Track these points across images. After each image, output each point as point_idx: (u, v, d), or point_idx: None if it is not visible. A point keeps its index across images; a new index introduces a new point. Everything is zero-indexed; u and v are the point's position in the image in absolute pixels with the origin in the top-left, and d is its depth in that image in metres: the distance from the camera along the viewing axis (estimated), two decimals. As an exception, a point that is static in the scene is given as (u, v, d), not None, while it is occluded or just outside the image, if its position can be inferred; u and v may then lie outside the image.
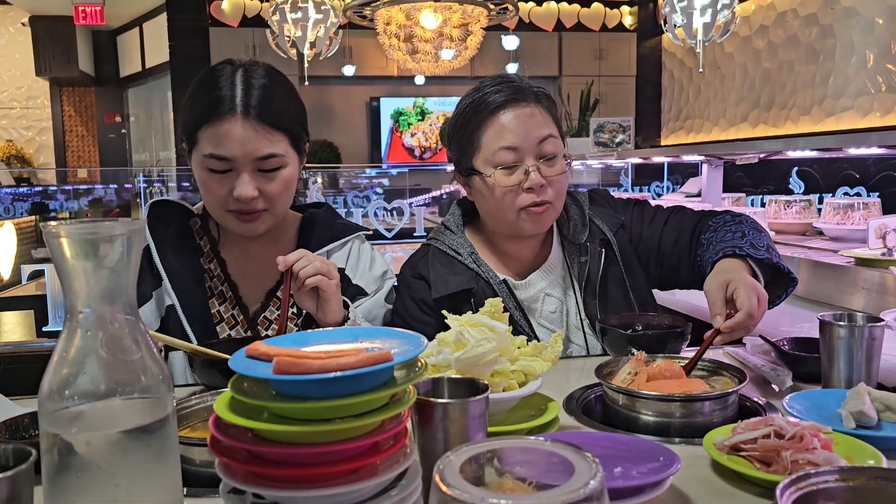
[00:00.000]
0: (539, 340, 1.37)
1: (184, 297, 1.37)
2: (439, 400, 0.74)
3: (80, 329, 0.64)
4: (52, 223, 0.64)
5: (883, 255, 1.93)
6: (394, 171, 7.80)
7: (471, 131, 1.42)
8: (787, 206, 2.75)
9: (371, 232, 1.70)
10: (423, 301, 1.45)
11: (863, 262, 1.92)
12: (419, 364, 0.70)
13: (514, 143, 1.37)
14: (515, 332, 1.30)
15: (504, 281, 1.46)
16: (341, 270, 1.42)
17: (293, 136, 1.33)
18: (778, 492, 0.65)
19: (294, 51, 4.28)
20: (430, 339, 1.37)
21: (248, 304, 1.42)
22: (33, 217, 6.86)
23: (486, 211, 1.47)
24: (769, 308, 1.34)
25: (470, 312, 0.99)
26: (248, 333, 1.39)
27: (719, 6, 4.33)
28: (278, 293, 1.42)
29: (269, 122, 1.27)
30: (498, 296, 1.42)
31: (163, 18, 7.69)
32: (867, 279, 1.87)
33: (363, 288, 1.45)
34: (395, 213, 3.87)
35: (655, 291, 1.57)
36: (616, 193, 1.79)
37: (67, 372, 0.64)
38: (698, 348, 1.16)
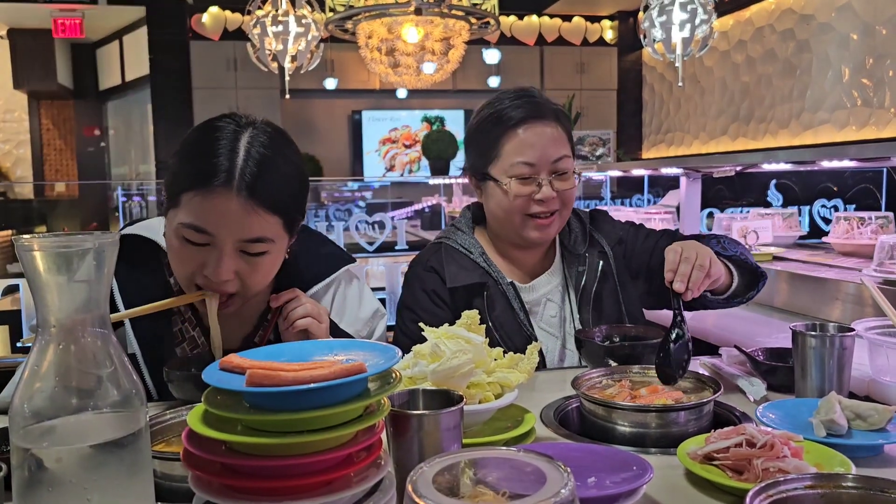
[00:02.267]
0: (537, 340, 1.41)
1: (148, 343, 1.24)
2: (413, 412, 0.74)
3: (53, 342, 0.64)
4: (25, 237, 0.64)
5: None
6: (376, 184, 7.81)
7: (491, 140, 1.48)
8: (862, 224, 2.40)
9: (363, 254, 1.65)
10: (434, 292, 1.50)
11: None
12: (393, 376, 0.71)
13: (533, 159, 1.44)
14: (520, 333, 1.44)
15: (512, 283, 1.51)
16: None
17: (289, 217, 1.17)
18: (748, 500, 0.66)
19: (275, 64, 4.28)
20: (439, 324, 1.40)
21: (223, 351, 1.25)
22: (9, 231, 6.78)
23: (494, 215, 1.53)
24: (745, 298, 1.44)
25: (447, 325, 1.00)
26: None
27: (697, 21, 4.40)
28: (256, 339, 1.31)
29: (264, 202, 1.10)
30: (506, 295, 1.49)
31: (143, 32, 7.66)
32: (843, 290, 1.90)
33: (351, 334, 1.36)
34: (376, 226, 3.87)
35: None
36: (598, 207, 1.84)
37: (39, 386, 0.63)
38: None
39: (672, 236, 1.58)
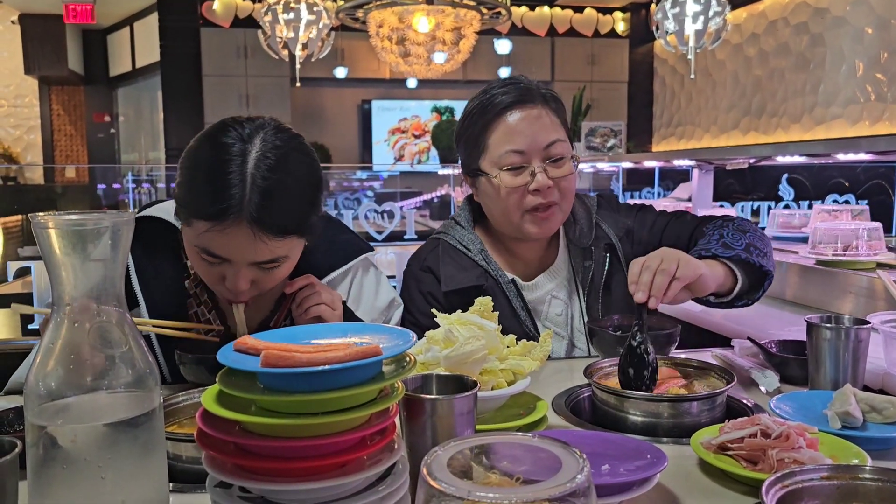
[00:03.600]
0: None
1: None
2: (427, 396, 0.74)
3: (68, 321, 0.64)
4: (41, 214, 0.64)
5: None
6: (385, 174, 7.80)
7: (477, 132, 1.40)
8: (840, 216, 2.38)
9: (376, 240, 1.63)
10: (430, 294, 1.43)
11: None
12: (408, 359, 0.70)
13: (521, 146, 1.35)
14: (522, 334, 1.29)
15: (513, 281, 1.44)
16: (343, 303, 1.32)
17: (301, 232, 1.17)
18: (763, 489, 0.65)
19: (286, 52, 4.27)
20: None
21: (238, 335, 1.24)
22: (20, 216, 6.80)
23: (491, 212, 1.45)
24: (750, 300, 1.34)
25: (460, 311, 0.99)
26: None
27: (711, 13, 4.37)
28: (270, 324, 1.31)
29: (273, 231, 1.11)
30: (507, 295, 1.42)
31: (154, 18, 7.66)
32: (856, 284, 1.89)
33: (367, 322, 1.34)
34: (385, 215, 3.87)
35: None
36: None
37: (54, 364, 0.63)
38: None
39: (681, 218, 1.50)
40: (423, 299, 1.44)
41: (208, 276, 1.18)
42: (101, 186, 7.33)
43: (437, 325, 1.21)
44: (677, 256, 1.16)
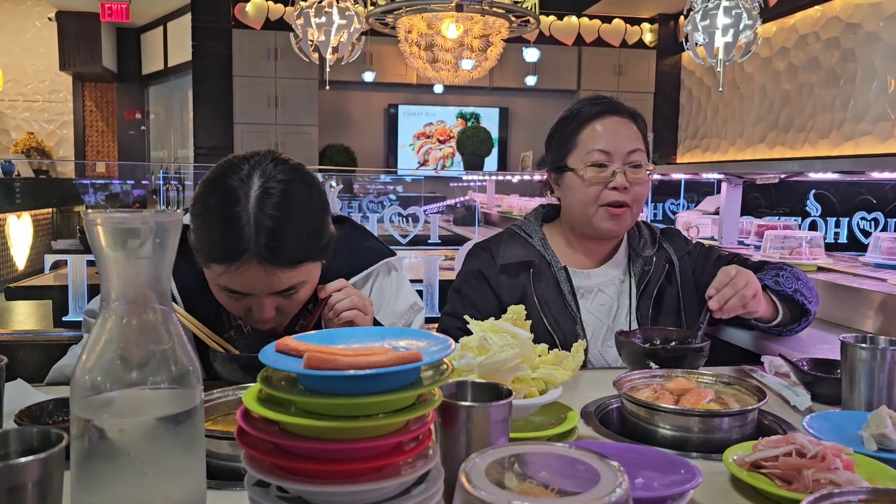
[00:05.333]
0: (583, 326, 1.48)
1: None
2: (464, 403, 0.74)
3: (115, 317, 0.65)
4: (91, 211, 0.65)
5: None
6: (409, 178, 7.82)
7: (569, 133, 1.56)
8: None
9: (400, 244, 1.69)
10: (480, 272, 1.57)
11: None
12: (445, 366, 0.71)
13: (608, 147, 1.51)
14: (565, 315, 1.50)
15: (564, 267, 1.56)
16: None
17: (315, 256, 1.22)
18: (802, 509, 0.65)
19: (316, 55, 4.31)
20: (480, 308, 1.43)
21: (267, 337, 1.30)
22: (50, 209, 6.92)
23: (569, 206, 1.58)
24: (782, 332, 1.52)
25: (493, 318, 0.99)
26: None
27: (741, 26, 4.33)
28: (296, 328, 1.35)
29: (286, 263, 1.16)
30: (555, 276, 1.54)
31: (187, 18, 7.76)
32: (890, 304, 1.86)
33: (385, 326, 1.36)
34: (410, 219, 3.88)
35: None
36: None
37: (99, 358, 0.64)
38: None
39: (739, 261, 1.59)
40: (473, 276, 1.58)
41: (234, 309, 1.24)
42: (130, 182, 7.43)
43: (480, 298, 1.53)
44: (757, 287, 1.37)
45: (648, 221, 1.72)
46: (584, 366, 1.45)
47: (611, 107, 1.56)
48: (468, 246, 2.69)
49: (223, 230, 1.14)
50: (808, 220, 4.86)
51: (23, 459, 0.61)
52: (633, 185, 1.50)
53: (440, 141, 8.92)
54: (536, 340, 1.00)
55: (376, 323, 1.34)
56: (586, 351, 1.47)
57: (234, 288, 1.18)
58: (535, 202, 3.65)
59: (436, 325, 1.61)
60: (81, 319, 1.51)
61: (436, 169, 8.80)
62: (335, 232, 1.30)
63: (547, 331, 1.48)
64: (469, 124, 8.62)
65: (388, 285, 1.44)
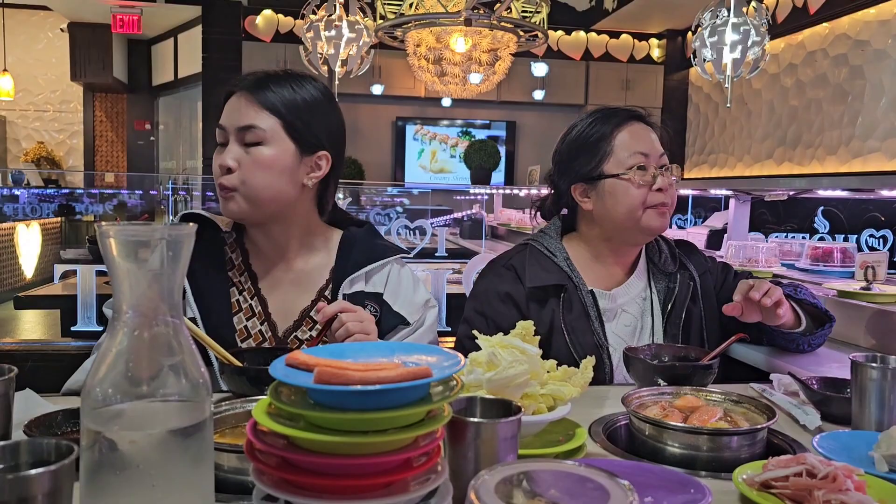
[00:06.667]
0: (609, 353, 1.49)
1: (206, 310, 1.33)
2: (472, 419, 0.74)
3: (126, 329, 0.65)
4: (104, 223, 0.66)
5: (863, 289, 1.96)
6: (416, 191, 7.84)
7: (598, 139, 1.54)
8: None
9: (411, 255, 1.74)
10: (507, 294, 1.52)
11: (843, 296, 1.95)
12: (455, 382, 0.71)
13: (646, 149, 1.52)
14: (590, 339, 1.48)
15: (591, 291, 1.54)
16: (380, 296, 1.40)
17: (286, 121, 1.32)
18: (813, 531, 0.64)
19: (325, 68, 4.34)
20: (503, 330, 1.47)
21: (279, 322, 1.37)
22: (59, 218, 6.96)
23: (610, 213, 1.53)
24: (801, 345, 1.55)
25: (501, 334, 0.99)
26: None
27: (749, 43, 4.34)
28: (312, 313, 1.38)
29: (259, 98, 1.31)
30: (583, 301, 1.52)
31: (198, 31, 7.83)
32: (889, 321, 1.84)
33: (405, 317, 1.41)
34: (417, 231, 3.89)
35: None
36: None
37: (110, 370, 0.65)
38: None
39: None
40: (498, 297, 1.52)
41: (215, 169, 1.35)
42: (138, 193, 7.47)
43: (505, 321, 1.44)
44: (780, 291, 1.42)
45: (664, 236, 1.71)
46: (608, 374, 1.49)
47: (633, 114, 1.57)
48: (477, 260, 2.69)
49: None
50: (816, 236, 4.84)
51: (34, 471, 0.61)
52: (669, 185, 1.53)
53: (451, 145, 8.96)
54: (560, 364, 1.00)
55: (393, 313, 1.40)
56: (612, 374, 1.48)
57: (220, 122, 1.34)
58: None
59: (447, 339, 1.61)
60: (93, 327, 1.56)
61: (435, 161, 8.80)
62: (355, 230, 1.47)
63: (573, 357, 1.45)
64: (471, 140, 8.65)
65: (405, 275, 1.48)
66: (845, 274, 2.37)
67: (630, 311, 1.57)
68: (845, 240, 4.73)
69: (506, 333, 1.44)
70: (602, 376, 1.47)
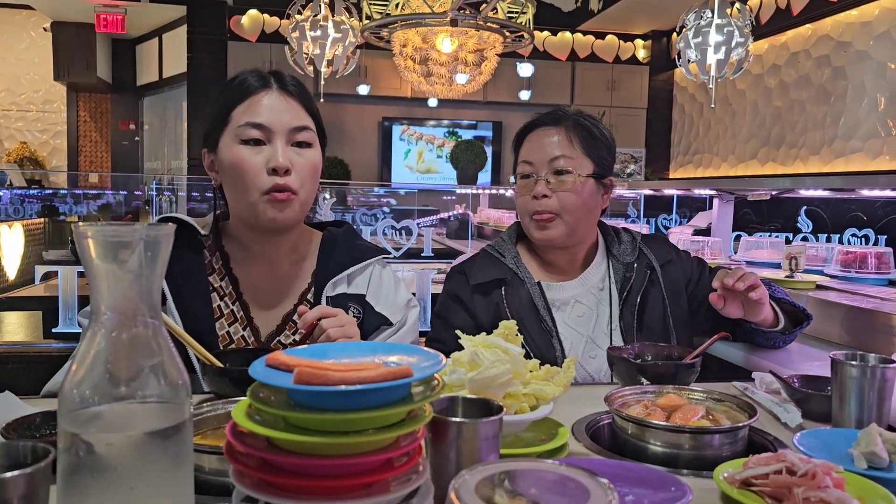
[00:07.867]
0: (560, 340, 1.50)
1: (187, 317, 1.29)
2: (454, 419, 0.74)
3: (104, 330, 0.65)
4: (82, 224, 0.65)
5: (787, 277, 2.19)
6: (402, 191, 7.83)
7: (515, 147, 1.65)
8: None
9: (392, 255, 1.76)
10: (456, 296, 1.61)
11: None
12: (436, 381, 0.71)
13: (531, 158, 1.57)
14: (540, 330, 1.51)
15: (538, 283, 1.58)
16: (362, 297, 1.40)
17: (318, 124, 1.35)
18: (791, 528, 0.65)
19: (311, 68, 4.32)
20: (458, 327, 1.48)
21: (261, 326, 1.36)
22: (42, 219, 6.88)
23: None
24: (777, 343, 1.59)
25: (484, 333, 0.99)
26: None
27: (733, 44, 4.37)
28: (294, 318, 1.36)
29: (300, 99, 1.32)
30: (529, 292, 1.56)
31: (182, 30, 7.78)
32: (882, 321, 1.86)
33: (387, 317, 1.40)
34: (403, 232, 3.88)
35: None
36: (623, 224, 1.97)
37: (88, 372, 0.64)
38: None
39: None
40: (450, 299, 1.61)
41: (252, 171, 1.26)
42: (123, 193, 7.41)
43: (459, 322, 1.52)
44: (749, 274, 1.45)
45: (631, 228, 1.74)
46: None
47: (542, 120, 1.60)
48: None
49: (244, 79, 1.31)
50: (800, 236, 4.88)
51: (9, 474, 0.60)
52: (557, 193, 1.52)
53: (437, 145, 8.95)
54: None
55: (375, 314, 1.39)
56: (562, 358, 1.50)
57: (254, 119, 1.26)
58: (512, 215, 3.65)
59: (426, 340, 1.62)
60: (75, 328, 1.53)
61: (422, 161, 8.80)
62: (335, 231, 1.46)
63: (522, 346, 1.47)
64: (457, 139, 8.65)
65: (386, 276, 1.48)
66: (880, 281, 2.24)
67: (584, 302, 1.59)
68: (828, 239, 4.76)
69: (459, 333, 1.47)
70: (552, 359, 1.49)
